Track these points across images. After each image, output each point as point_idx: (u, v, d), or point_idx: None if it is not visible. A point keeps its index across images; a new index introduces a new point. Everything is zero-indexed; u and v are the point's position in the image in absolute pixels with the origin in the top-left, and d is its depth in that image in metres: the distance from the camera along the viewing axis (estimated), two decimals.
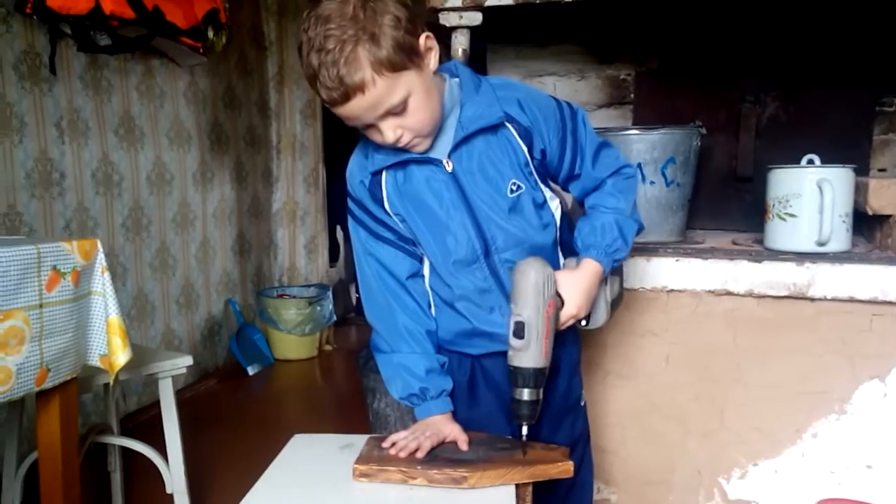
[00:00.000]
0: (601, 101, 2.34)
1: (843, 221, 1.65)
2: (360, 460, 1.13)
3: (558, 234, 1.27)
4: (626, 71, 2.32)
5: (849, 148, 2.05)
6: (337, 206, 4.74)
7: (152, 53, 3.05)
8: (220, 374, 3.70)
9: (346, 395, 3.42)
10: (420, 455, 1.14)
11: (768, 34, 2.10)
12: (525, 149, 1.19)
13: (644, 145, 1.81)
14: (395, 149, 1.15)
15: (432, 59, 1.11)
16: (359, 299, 5.09)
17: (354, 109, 1.07)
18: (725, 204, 2.21)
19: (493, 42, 2.39)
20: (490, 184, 1.18)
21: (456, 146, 1.17)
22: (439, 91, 1.15)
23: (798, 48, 2.08)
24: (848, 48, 2.04)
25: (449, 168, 1.18)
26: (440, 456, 1.15)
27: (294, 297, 4.12)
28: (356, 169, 1.24)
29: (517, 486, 1.12)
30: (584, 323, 1.26)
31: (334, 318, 4.22)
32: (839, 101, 2.09)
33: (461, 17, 1.78)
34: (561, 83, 2.36)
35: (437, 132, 1.17)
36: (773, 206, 1.71)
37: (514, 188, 1.19)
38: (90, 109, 2.75)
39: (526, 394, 1.13)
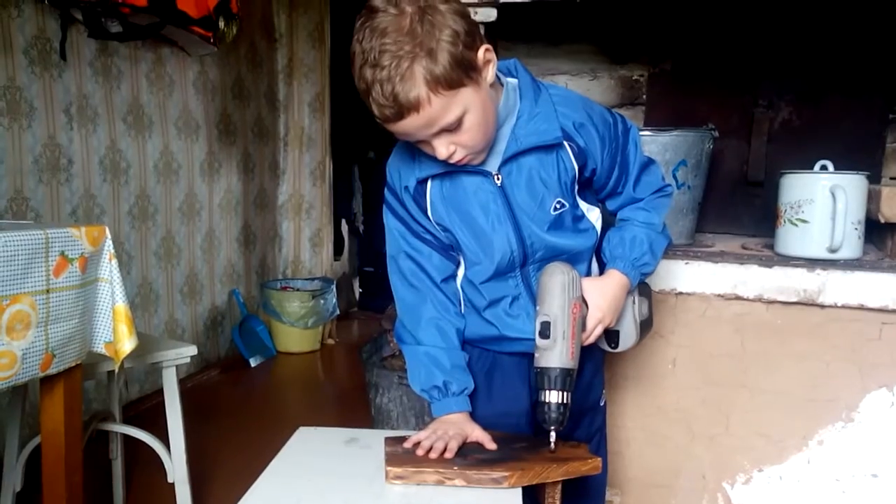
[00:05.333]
0: (613, 101, 2.33)
1: (856, 229, 1.64)
2: (391, 462, 1.10)
3: (596, 243, 1.25)
4: (638, 72, 2.31)
5: (861, 155, 2.04)
6: (342, 199, 4.74)
7: (163, 42, 3.05)
8: (222, 364, 3.70)
9: (348, 389, 3.42)
10: (448, 455, 1.11)
11: (783, 39, 2.08)
12: (577, 169, 1.17)
13: (656, 147, 1.80)
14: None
15: (490, 72, 1.06)
16: (362, 294, 5.10)
17: (408, 127, 1.03)
18: (735, 208, 2.20)
19: (505, 40, 2.38)
20: (534, 199, 1.16)
21: (506, 160, 1.14)
22: (495, 102, 1.11)
23: (813, 54, 2.07)
24: (863, 55, 2.03)
25: (498, 182, 1.15)
26: (470, 455, 1.12)
27: (298, 289, 4.12)
28: (402, 169, 1.21)
29: (545, 484, 1.11)
30: (613, 346, 1.25)
31: (337, 311, 4.22)
32: (852, 108, 2.08)
33: (476, 13, 1.77)
34: (573, 82, 2.35)
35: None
36: (785, 211, 1.70)
37: (558, 206, 1.17)
38: (99, 96, 2.75)
39: (553, 396, 1.10)
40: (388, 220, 1.26)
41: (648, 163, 1.26)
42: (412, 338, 1.25)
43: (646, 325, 1.29)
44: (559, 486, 1.15)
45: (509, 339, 1.23)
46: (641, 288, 1.27)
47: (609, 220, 1.30)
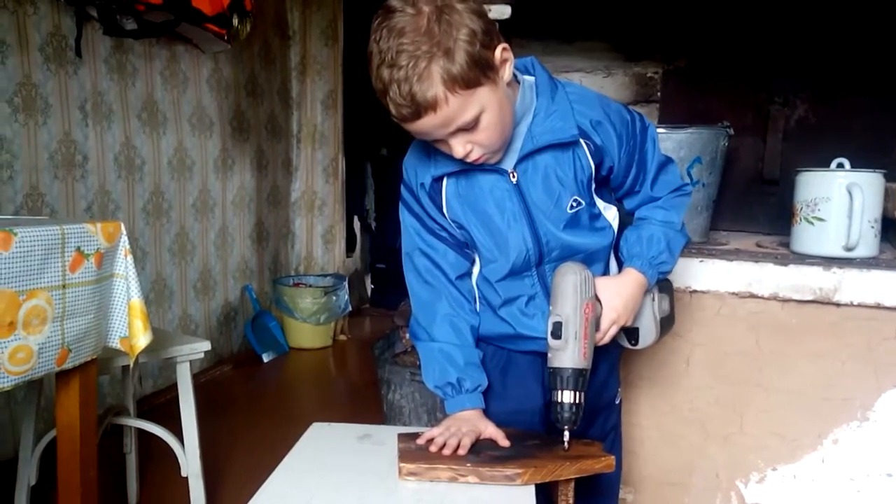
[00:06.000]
0: (627, 98, 2.32)
1: (872, 227, 1.63)
2: (404, 458, 1.10)
3: (613, 242, 1.25)
4: (653, 69, 2.30)
5: (877, 154, 2.02)
6: (355, 196, 4.75)
7: (177, 39, 3.06)
8: (234, 360, 3.71)
9: (360, 385, 3.43)
10: (462, 452, 1.11)
11: (798, 36, 2.07)
12: (594, 167, 1.16)
13: (671, 144, 1.79)
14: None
15: (507, 71, 1.06)
16: (374, 290, 5.11)
17: (424, 126, 1.03)
18: (750, 206, 2.19)
19: (519, 37, 2.37)
20: (550, 198, 1.15)
21: (522, 158, 1.14)
22: (511, 100, 1.11)
23: (828, 51, 2.05)
24: (879, 52, 2.01)
25: (514, 179, 1.15)
26: (483, 452, 1.12)
27: (310, 286, 4.13)
28: (418, 166, 1.21)
29: (559, 482, 1.11)
30: (633, 343, 1.24)
31: (349, 308, 4.22)
32: (869, 105, 2.06)
33: (490, 10, 1.77)
34: (587, 80, 2.34)
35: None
36: (801, 209, 1.68)
37: (575, 204, 1.17)
38: (114, 93, 2.76)
39: (566, 396, 1.10)
40: (404, 217, 1.26)
41: (667, 162, 1.25)
42: (426, 334, 1.25)
43: (667, 322, 1.29)
44: (572, 484, 1.14)
45: (524, 337, 1.23)
46: (662, 284, 1.27)
47: (626, 220, 1.29)
